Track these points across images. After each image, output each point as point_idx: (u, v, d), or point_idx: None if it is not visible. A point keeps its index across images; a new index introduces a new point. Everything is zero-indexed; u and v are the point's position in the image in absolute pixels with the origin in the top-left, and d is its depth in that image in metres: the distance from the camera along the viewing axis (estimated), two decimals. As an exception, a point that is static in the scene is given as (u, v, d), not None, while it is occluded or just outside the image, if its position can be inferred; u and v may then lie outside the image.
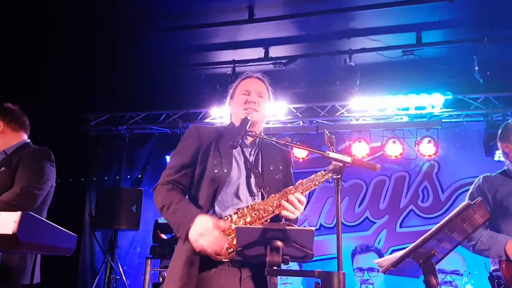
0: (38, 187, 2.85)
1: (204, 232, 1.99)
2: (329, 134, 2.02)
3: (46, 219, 2.86)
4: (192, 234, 2.01)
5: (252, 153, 2.36)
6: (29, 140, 3.17)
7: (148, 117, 7.06)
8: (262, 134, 2.39)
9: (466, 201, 1.84)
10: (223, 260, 2.05)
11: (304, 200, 2.15)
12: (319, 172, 2.18)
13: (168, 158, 6.89)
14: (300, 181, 2.20)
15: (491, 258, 2.69)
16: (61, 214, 3.77)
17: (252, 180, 2.26)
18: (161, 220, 5.50)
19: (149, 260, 5.41)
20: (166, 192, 2.21)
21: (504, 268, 2.52)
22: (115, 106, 7.04)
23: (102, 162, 7.32)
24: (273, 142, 2.35)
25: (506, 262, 2.50)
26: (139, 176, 7.30)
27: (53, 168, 3.05)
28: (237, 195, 2.22)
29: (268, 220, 2.13)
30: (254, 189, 2.25)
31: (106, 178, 7.28)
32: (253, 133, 2.25)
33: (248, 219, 2.10)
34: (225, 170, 2.21)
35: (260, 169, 2.31)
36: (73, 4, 5.07)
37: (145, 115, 7.04)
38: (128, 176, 7.28)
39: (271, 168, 2.33)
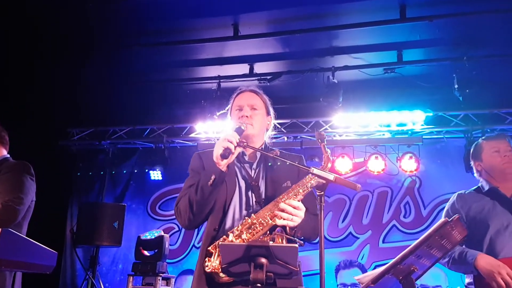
0: (19, 201, 2.81)
1: (217, 146, 2.12)
2: (319, 131, 2.05)
3: (26, 234, 2.83)
4: (215, 156, 2.10)
5: (255, 167, 2.34)
6: (8, 155, 3.13)
7: (132, 132, 7.02)
8: (264, 147, 2.38)
9: (443, 219, 1.88)
10: (228, 281, 2.03)
11: (299, 204, 2.09)
12: (307, 176, 2.15)
13: (152, 173, 6.86)
14: (292, 186, 2.17)
15: (464, 273, 2.73)
16: (42, 229, 3.71)
17: (251, 194, 2.25)
18: (144, 236, 5.43)
19: (131, 277, 5.32)
20: (182, 198, 2.24)
21: (476, 282, 2.56)
22: (99, 120, 6.99)
23: (84, 177, 7.24)
24: (272, 155, 2.29)
25: (479, 276, 2.54)
26: (122, 191, 7.23)
27: (33, 182, 3.01)
28: (234, 211, 2.22)
29: (267, 232, 2.10)
30: (253, 204, 2.23)
31: (88, 193, 7.19)
32: (244, 143, 2.18)
33: (245, 236, 2.07)
34: (228, 188, 2.22)
35: (264, 182, 2.28)
36: (57, 19, 5.06)
37: (129, 130, 7.00)
38: (111, 191, 7.21)
39: (277, 178, 2.28)
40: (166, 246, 5.37)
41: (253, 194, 2.24)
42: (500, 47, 5.32)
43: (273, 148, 2.36)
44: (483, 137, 3.02)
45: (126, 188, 7.21)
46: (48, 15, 4.97)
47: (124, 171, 7.30)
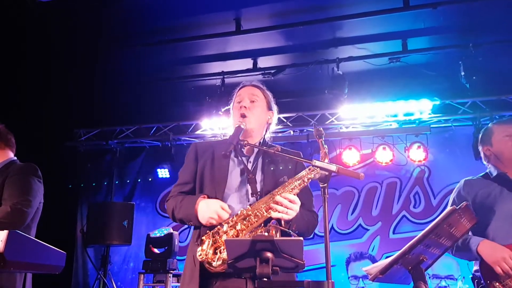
0: (27, 204, 2.82)
1: (207, 209, 2.13)
2: (317, 128, 2.04)
3: (37, 236, 2.84)
4: (200, 216, 2.14)
5: (252, 160, 2.35)
6: (15, 158, 3.14)
7: (138, 131, 7.05)
8: (262, 142, 2.39)
9: (451, 206, 1.85)
10: (221, 271, 2.05)
11: (295, 198, 2.11)
12: (306, 169, 2.17)
13: (159, 171, 6.88)
14: (288, 180, 2.19)
15: (469, 260, 2.70)
16: (53, 231, 3.74)
17: (247, 187, 2.25)
18: (153, 234, 5.46)
19: (142, 275, 5.36)
20: (173, 198, 2.33)
21: (482, 268, 2.51)
22: (105, 120, 7.02)
23: (92, 177, 7.28)
24: (269, 150, 2.32)
25: (483, 262, 2.50)
26: (131, 190, 7.26)
27: (40, 184, 3.01)
28: (231, 204, 2.22)
29: (262, 224, 2.11)
30: (250, 196, 2.24)
31: (97, 193, 7.23)
32: (245, 142, 2.24)
33: (239, 227, 2.09)
34: (221, 182, 2.25)
35: (261, 175, 2.29)
36: (61, 20, 5.08)
37: (135, 129, 7.03)
38: (119, 191, 7.25)
39: (274, 172, 2.30)
40: (176, 243, 5.40)
41: (249, 187, 2.24)
42: (506, 33, 5.24)
43: (273, 144, 2.38)
44: (493, 122, 2.94)
45: (135, 186, 7.25)
46: (54, 17, 4.98)
47: (132, 170, 7.33)
